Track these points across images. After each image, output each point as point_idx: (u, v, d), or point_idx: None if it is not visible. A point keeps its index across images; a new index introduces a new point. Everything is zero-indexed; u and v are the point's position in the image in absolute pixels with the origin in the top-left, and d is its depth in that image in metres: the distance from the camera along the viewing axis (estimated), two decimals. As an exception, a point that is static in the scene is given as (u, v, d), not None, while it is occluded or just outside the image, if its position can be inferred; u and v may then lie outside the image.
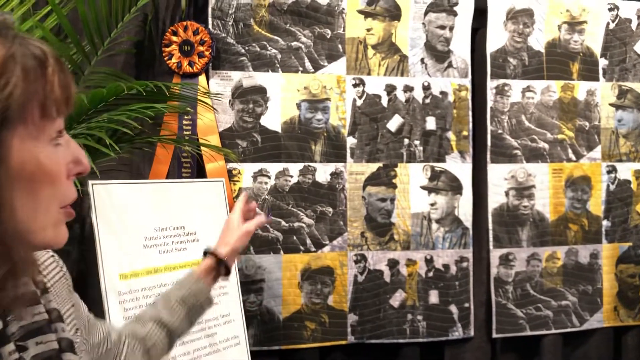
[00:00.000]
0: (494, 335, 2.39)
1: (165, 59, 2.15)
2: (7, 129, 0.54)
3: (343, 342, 2.28)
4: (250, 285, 2.21)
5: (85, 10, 1.78)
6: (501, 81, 2.42)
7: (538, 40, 2.45)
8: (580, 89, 2.48)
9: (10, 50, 0.56)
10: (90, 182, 1.61)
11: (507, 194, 2.42)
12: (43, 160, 0.58)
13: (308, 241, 2.26)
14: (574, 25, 2.48)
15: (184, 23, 2.16)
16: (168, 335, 1.04)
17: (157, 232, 1.74)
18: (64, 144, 0.62)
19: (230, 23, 2.22)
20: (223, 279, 1.18)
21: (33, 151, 0.57)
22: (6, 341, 0.57)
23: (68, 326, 0.72)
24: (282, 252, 2.23)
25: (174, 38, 2.15)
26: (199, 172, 2.17)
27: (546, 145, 2.45)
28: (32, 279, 0.66)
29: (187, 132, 2.15)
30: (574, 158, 2.48)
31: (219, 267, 1.17)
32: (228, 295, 1.87)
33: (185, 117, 2.15)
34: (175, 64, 2.15)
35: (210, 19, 2.20)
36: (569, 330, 2.45)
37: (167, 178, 2.12)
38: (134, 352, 0.97)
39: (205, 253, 1.19)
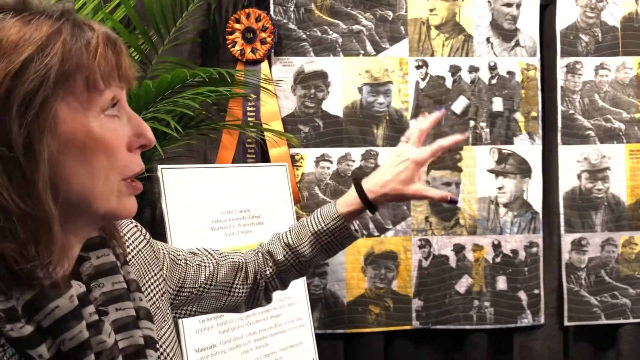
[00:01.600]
0: (566, 323, 2.30)
1: (229, 46, 2.19)
2: (51, 98, 0.56)
3: (408, 327, 2.27)
4: (315, 269, 2.22)
5: (150, 0, 1.83)
6: (572, 59, 2.31)
7: (613, 15, 2.32)
8: (660, 65, 2.34)
9: (57, 26, 0.58)
10: (159, 166, 1.67)
11: (579, 176, 2.32)
12: (95, 129, 0.60)
13: (371, 225, 2.25)
14: (653, -4, 2.33)
15: (247, 10, 2.19)
16: (301, 263, 1.04)
17: (223, 215, 1.79)
18: (123, 117, 0.64)
19: (291, 9, 2.23)
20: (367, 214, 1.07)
21: (84, 121, 0.59)
22: (88, 303, 0.61)
23: (148, 296, 0.76)
24: (345, 236, 2.23)
25: (237, 26, 2.19)
26: (264, 157, 2.20)
27: (622, 125, 2.33)
28: (113, 251, 0.69)
29: (251, 119, 2.19)
30: (653, 138, 2.34)
31: (363, 206, 1.02)
32: (292, 277, 1.89)
33: (249, 103, 2.19)
34: (239, 52, 2.18)
35: (272, 6, 2.22)
36: (649, 320, 2.33)
37: (232, 163, 2.17)
38: (261, 275, 1.04)
39: (356, 182, 1.04)
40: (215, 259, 1.01)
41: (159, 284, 0.81)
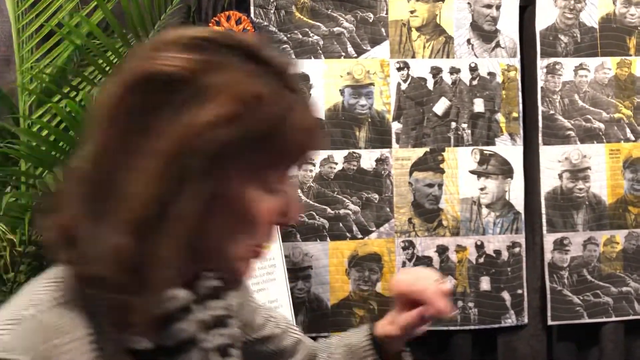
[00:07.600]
0: (549, 322, 2.30)
1: (208, 49, 2.17)
2: (234, 166, 0.55)
3: (392, 330, 2.26)
4: (298, 273, 2.21)
5: (127, 2, 1.81)
6: (552, 60, 2.33)
7: (591, 16, 2.34)
8: (639, 65, 2.36)
9: (292, 100, 0.58)
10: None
11: (560, 176, 2.33)
12: (254, 203, 0.58)
13: (354, 228, 2.24)
14: (631, -3, 2.36)
15: (227, 13, 2.17)
16: None
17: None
18: (281, 191, 0.61)
19: (272, 11, 2.22)
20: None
21: (250, 194, 0.58)
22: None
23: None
24: (328, 239, 2.23)
25: (217, 28, 2.17)
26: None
27: (602, 125, 2.34)
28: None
29: (232, 122, 2.17)
30: (632, 138, 2.36)
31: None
32: (275, 281, 1.88)
33: (230, 106, 2.17)
34: (219, 54, 2.16)
35: (252, 8, 2.21)
36: (631, 317, 2.34)
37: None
38: None
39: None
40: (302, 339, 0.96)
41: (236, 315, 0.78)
